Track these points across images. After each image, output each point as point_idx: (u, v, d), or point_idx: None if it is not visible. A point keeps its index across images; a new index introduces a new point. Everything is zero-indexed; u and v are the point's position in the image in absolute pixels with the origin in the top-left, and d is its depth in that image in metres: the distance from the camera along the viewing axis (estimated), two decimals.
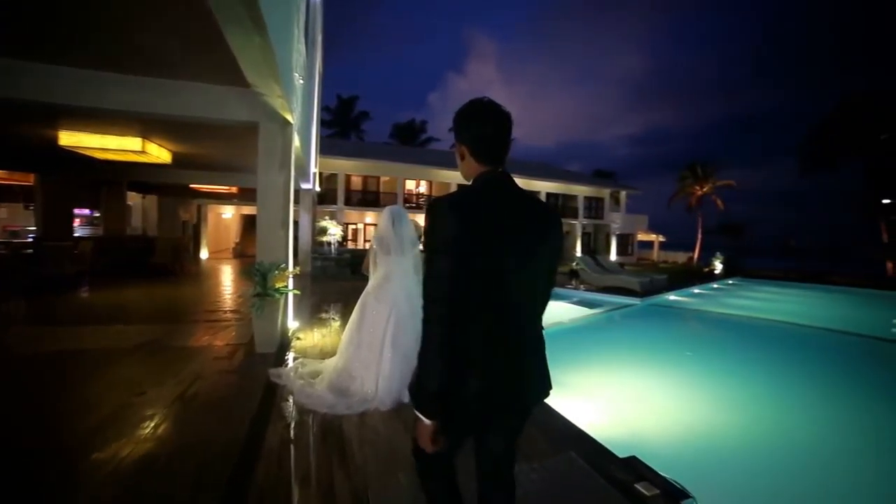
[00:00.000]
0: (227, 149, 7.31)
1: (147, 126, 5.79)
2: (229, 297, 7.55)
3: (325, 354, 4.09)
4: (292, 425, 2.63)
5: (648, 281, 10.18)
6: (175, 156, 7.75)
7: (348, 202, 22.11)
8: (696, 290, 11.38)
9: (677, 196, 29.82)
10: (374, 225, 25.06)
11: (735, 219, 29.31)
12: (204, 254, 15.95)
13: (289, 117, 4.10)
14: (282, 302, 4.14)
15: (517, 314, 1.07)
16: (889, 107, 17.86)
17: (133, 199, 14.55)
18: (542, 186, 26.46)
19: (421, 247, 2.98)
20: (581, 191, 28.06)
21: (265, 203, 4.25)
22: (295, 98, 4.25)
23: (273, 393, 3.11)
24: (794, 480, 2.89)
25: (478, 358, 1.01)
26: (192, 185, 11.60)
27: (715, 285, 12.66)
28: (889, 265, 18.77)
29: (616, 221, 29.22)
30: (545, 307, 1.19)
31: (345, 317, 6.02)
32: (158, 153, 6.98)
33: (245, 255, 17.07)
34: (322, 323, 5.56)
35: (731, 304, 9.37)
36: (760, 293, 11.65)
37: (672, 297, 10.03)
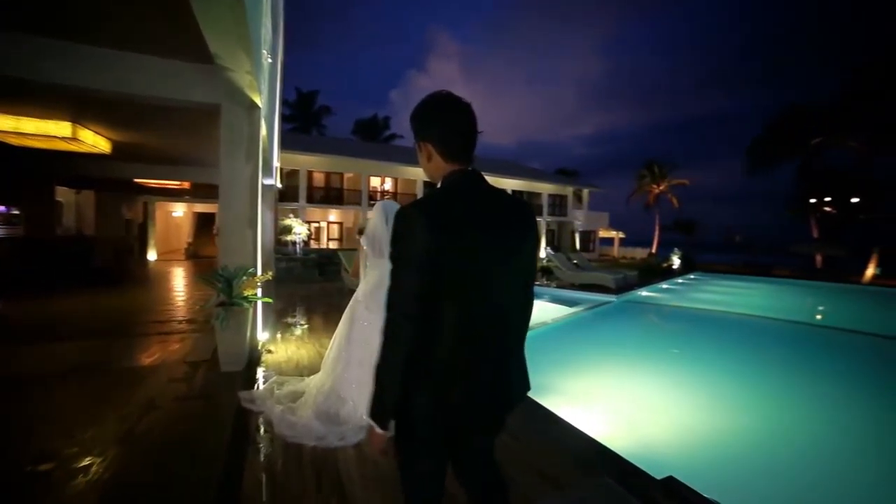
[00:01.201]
0: (179, 137, 6.47)
1: (80, 107, 4.94)
2: (183, 304, 6.75)
3: (302, 369, 3.62)
4: (276, 465, 2.18)
5: (622, 277, 10.33)
6: (116, 145, 6.79)
7: (311, 200, 21.07)
8: (665, 286, 11.73)
9: (636, 194, 31.18)
10: (338, 224, 24.22)
11: (686, 216, 30.99)
12: (152, 255, 14.53)
13: (256, 99, 3.56)
14: (250, 312, 3.61)
15: (500, 319, 1.03)
16: (818, 115, 19.58)
17: (64, 195, 12.90)
18: (508, 184, 26.60)
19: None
20: (545, 188, 28.52)
21: (229, 199, 3.69)
22: (263, 79, 3.71)
23: (247, 423, 2.62)
24: (802, 478, 2.84)
25: (461, 368, 0.98)
26: (136, 180, 10.41)
27: (679, 280, 13.16)
28: (818, 258, 20.57)
29: (579, 219, 30.02)
30: (531, 306, 1.17)
31: (318, 324, 5.51)
32: (94, 141, 6.07)
33: (199, 257, 15.76)
34: (293, 331, 5.03)
35: (701, 299, 9.69)
36: (721, 287, 12.22)
37: (644, 292, 10.24)
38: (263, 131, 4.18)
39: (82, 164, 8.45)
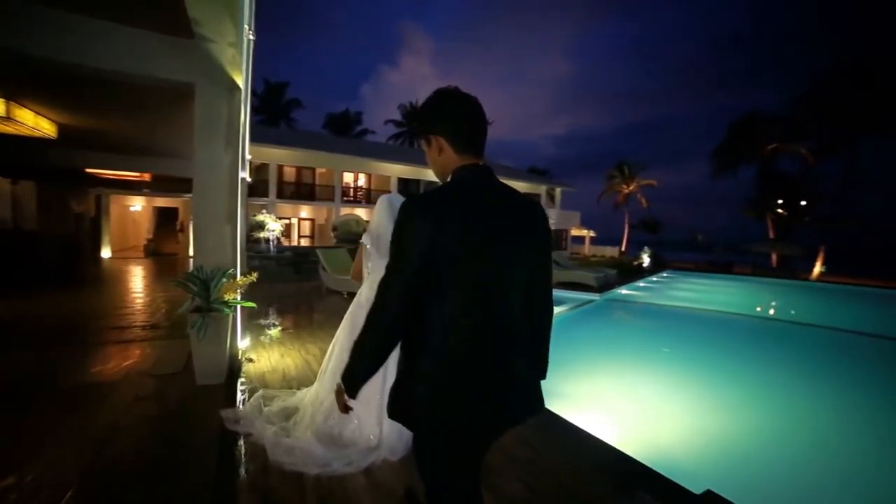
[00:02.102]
0: (142, 122, 5.79)
1: (18, 81, 4.27)
2: (144, 307, 6.13)
3: (291, 380, 3.28)
4: (274, 501, 1.86)
5: (602, 276, 10.44)
6: (63, 129, 6.04)
7: (281, 195, 20.19)
8: (642, 284, 12.00)
9: (606, 193, 32.05)
10: (310, 220, 23.35)
11: (652, 216, 32.20)
12: (106, 253, 13.35)
13: (238, 79, 3.16)
14: (230, 318, 3.22)
15: (502, 324, 0.99)
16: (774, 123, 20.87)
17: None
18: None
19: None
20: (519, 187, 28.56)
21: (205, 191, 3.27)
22: (245, 57, 3.31)
23: (233, 448, 2.27)
24: (805, 474, 2.83)
25: (458, 367, 0.95)
26: (88, 170, 9.45)
27: (654, 278, 13.52)
28: (774, 256, 21.91)
29: (552, 217, 30.53)
30: (550, 315, 1.15)
31: (301, 327, 5.12)
32: (36, 123, 5.35)
33: (160, 254, 14.68)
34: (275, 337, 4.62)
35: (678, 297, 9.95)
36: (693, 285, 12.66)
37: (624, 290, 10.40)
38: (243, 117, 3.76)
39: (21, 149, 7.48)
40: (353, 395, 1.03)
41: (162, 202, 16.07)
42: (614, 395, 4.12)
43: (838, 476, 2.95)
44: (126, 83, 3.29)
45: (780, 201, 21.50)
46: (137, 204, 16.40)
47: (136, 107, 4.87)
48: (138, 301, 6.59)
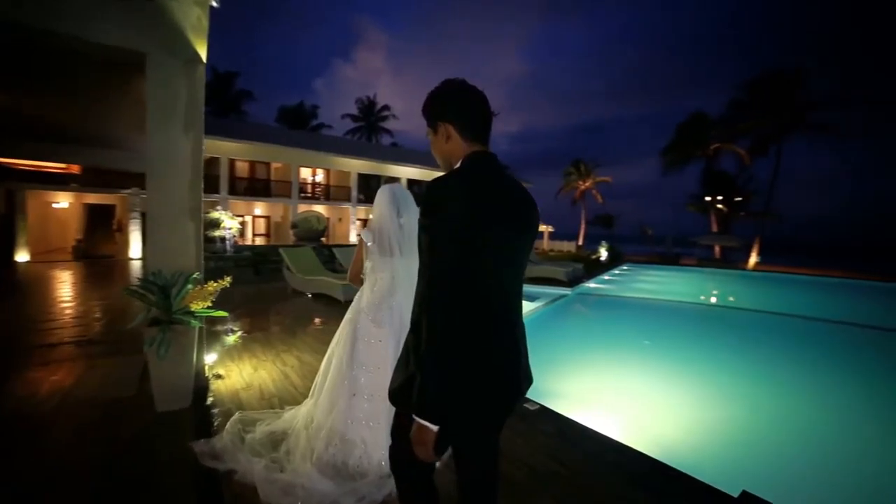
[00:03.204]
0: (72, 101, 4.92)
1: None
2: (76, 318, 5.32)
3: (271, 398, 2.88)
4: None
5: (571, 270, 10.62)
6: None
7: (234, 191, 18.84)
8: (607, 277, 12.37)
9: (564, 190, 33.08)
10: (265, 218, 22.02)
11: (606, 212, 33.70)
12: (22, 256, 11.67)
13: (202, 50, 2.69)
14: (197, 332, 2.76)
15: (514, 304, 1.05)
16: (715, 124, 22.52)
17: None
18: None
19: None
20: None
21: (161, 182, 2.76)
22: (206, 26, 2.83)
23: (213, 492, 1.88)
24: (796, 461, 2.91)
25: (484, 353, 0.96)
26: None
27: (617, 272, 14.02)
28: (717, 249, 23.68)
29: None
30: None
31: (272, 335, 4.63)
32: None
33: (93, 257, 13.10)
34: (244, 345, 4.13)
35: (642, 289, 10.33)
36: (652, 276, 13.27)
37: (592, 284, 10.63)
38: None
39: None
40: (435, 419, 0.89)
41: (95, 199, 14.33)
42: (605, 389, 4.07)
43: (788, 450, 3.14)
44: (46, 48, 2.70)
45: (720, 197, 23.25)
46: (63, 201, 14.51)
47: (65, 81, 4.09)
48: (68, 312, 5.71)
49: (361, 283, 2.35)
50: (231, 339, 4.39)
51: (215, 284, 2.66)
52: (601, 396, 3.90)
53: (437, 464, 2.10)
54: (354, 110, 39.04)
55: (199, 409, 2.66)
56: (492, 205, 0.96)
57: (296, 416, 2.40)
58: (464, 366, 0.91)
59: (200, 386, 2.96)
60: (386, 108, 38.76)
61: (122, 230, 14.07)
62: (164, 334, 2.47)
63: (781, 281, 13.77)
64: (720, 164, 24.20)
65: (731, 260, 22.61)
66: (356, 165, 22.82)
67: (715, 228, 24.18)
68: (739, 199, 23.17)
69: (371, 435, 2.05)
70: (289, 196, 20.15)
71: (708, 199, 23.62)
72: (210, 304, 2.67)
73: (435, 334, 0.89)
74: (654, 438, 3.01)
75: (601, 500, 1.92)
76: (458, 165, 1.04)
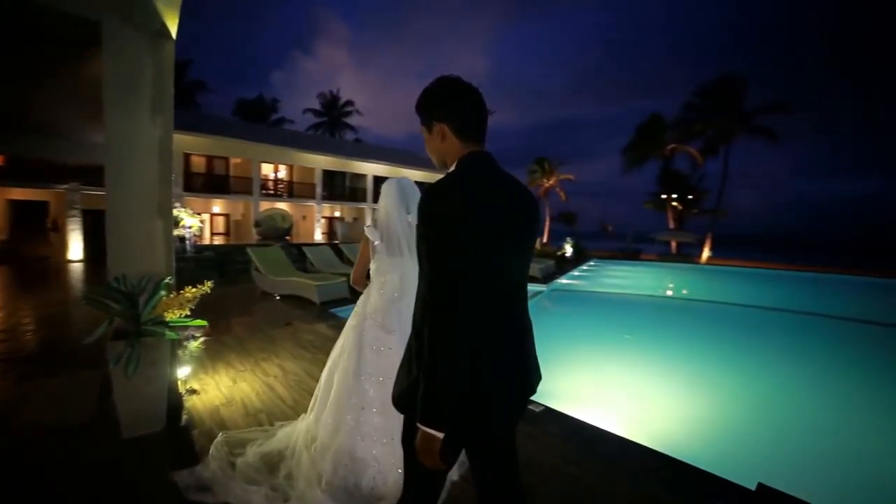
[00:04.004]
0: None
1: None
2: (4, 330, 4.66)
3: (258, 413, 2.61)
4: None
5: (545, 267, 10.78)
6: None
7: (190, 188, 17.57)
8: (577, 273, 12.69)
9: (529, 187, 33.72)
10: (224, 216, 20.75)
11: (568, 208, 34.78)
12: None
13: (172, 24, 2.35)
14: (170, 344, 2.44)
15: (518, 301, 1.05)
16: (671, 126, 23.77)
17: None
18: (412, 174, 26.23)
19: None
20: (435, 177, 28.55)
21: (123, 173, 2.40)
22: None
23: None
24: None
25: (491, 355, 0.95)
26: None
27: (585, 268, 14.43)
28: (674, 244, 25.07)
29: None
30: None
31: (247, 342, 4.26)
32: None
33: (22, 258, 11.70)
34: (217, 354, 3.76)
35: (611, 284, 10.67)
36: (619, 271, 13.78)
37: (565, 280, 10.85)
38: None
39: None
40: (442, 426, 0.87)
41: (21, 194, 12.83)
42: (598, 385, 4.10)
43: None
44: None
45: (674, 195, 24.61)
46: None
47: None
48: None
49: (365, 286, 2.15)
50: (196, 346, 3.99)
51: (194, 290, 2.35)
52: (596, 393, 3.91)
53: (455, 476, 1.97)
54: (317, 105, 37.74)
55: (174, 433, 2.35)
56: (490, 206, 0.95)
57: (292, 434, 2.16)
58: (470, 370, 0.90)
59: (173, 404, 2.62)
60: (350, 103, 37.75)
61: (59, 230, 12.71)
62: (133, 349, 2.14)
63: (747, 275, 14.74)
64: (676, 164, 25.54)
65: (687, 254, 24.00)
66: (321, 161, 21.99)
67: (672, 225, 25.56)
68: (692, 197, 24.65)
69: (384, 452, 1.86)
70: (250, 193, 19.08)
71: (664, 196, 24.98)
72: (188, 313, 2.35)
73: (438, 342, 0.88)
74: (655, 434, 3.03)
75: (622, 500, 1.87)
76: (453, 168, 1.03)
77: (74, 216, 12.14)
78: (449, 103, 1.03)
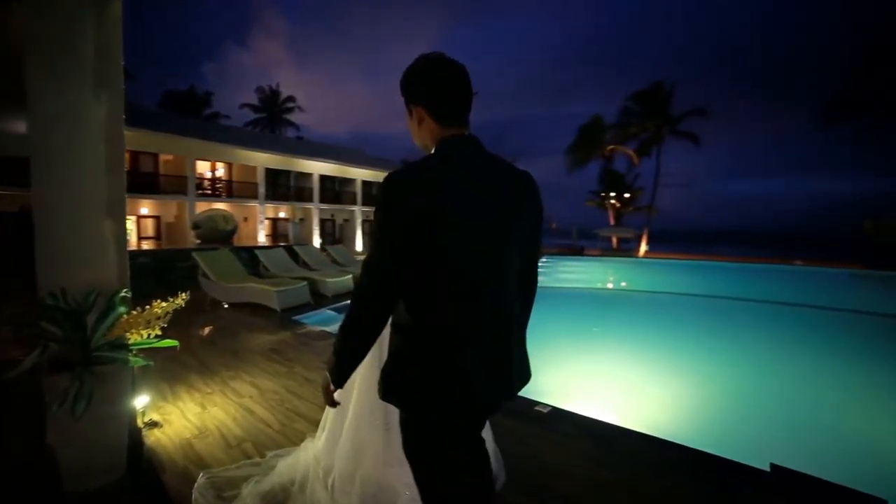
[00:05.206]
0: None
1: None
2: None
3: (241, 442, 2.24)
4: None
5: None
6: None
7: None
8: None
9: None
10: (154, 218, 18.65)
11: None
12: None
13: None
14: (132, 371, 2.00)
15: (497, 291, 0.95)
16: (611, 127, 25.39)
17: None
18: (357, 173, 25.41)
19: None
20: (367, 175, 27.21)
21: (57, 162, 1.91)
22: None
23: None
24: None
25: (459, 336, 0.91)
26: None
27: (539, 264, 14.84)
28: (614, 239, 26.78)
29: None
30: (535, 285, 1.10)
31: (209, 360, 3.71)
32: None
33: None
34: (175, 376, 3.22)
35: (568, 279, 11.05)
36: (572, 267, 14.36)
37: None
38: None
39: None
40: (340, 384, 1.00)
41: None
42: (586, 376, 4.13)
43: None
44: None
45: (613, 194, 26.32)
46: None
47: None
48: None
49: None
50: (146, 366, 3.42)
51: (164, 305, 1.94)
52: (583, 384, 3.93)
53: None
54: (255, 100, 35.34)
55: (138, 480, 1.92)
56: (455, 192, 0.88)
57: (296, 465, 1.85)
58: (438, 366, 0.89)
59: (130, 443, 2.16)
60: (291, 98, 35.77)
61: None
62: (83, 382, 1.71)
63: (661, 265, 16.00)
64: (615, 164, 27.28)
65: (626, 249, 25.74)
66: (263, 159, 20.57)
67: (612, 222, 27.31)
68: (628, 195, 26.51)
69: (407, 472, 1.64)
70: (184, 193, 17.30)
71: (604, 195, 26.64)
72: (159, 333, 1.93)
73: (348, 324, 0.92)
74: (654, 425, 3.08)
75: (641, 492, 1.85)
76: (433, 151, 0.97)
77: None
78: (423, 84, 0.97)
